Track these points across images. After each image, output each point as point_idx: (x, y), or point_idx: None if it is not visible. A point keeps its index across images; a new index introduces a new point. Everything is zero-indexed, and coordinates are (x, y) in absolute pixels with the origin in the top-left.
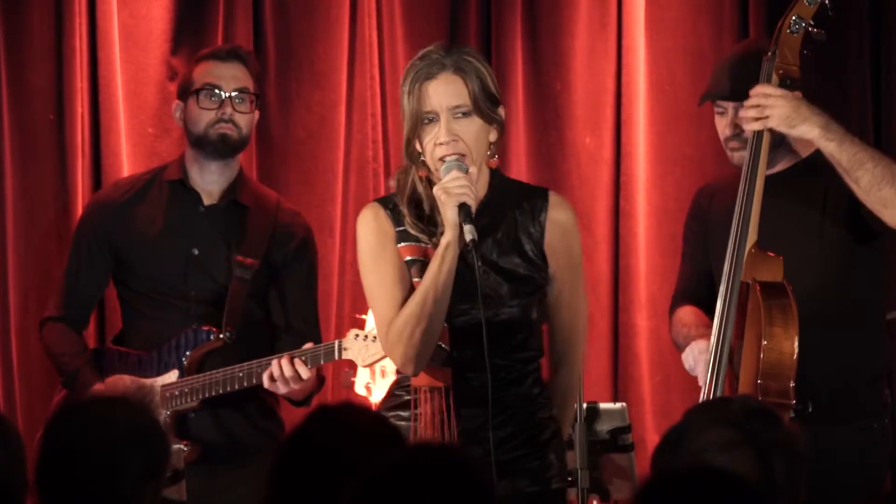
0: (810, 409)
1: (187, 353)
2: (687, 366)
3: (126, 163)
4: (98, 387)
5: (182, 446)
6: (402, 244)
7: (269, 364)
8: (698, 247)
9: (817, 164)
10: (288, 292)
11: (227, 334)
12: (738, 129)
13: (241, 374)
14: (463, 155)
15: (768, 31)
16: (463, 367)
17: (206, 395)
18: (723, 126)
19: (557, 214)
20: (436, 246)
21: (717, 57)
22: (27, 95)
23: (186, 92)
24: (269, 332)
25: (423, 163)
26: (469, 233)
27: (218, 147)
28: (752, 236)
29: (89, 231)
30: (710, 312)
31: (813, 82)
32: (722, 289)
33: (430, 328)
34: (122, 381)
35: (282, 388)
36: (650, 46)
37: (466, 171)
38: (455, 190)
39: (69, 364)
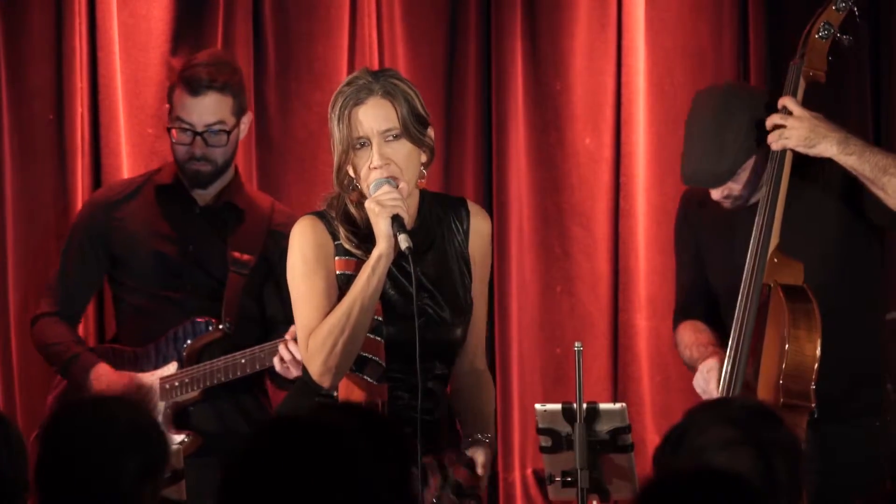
0: (816, 416)
1: (186, 344)
2: (699, 390)
3: (126, 163)
4: (96, 385)
5: (184, 437)
6: (338, 258)
7: (273, 349)
8: (691, 256)
9: (811, 166)
10: (279, 291)
11: (227, 325)
12: (729, 191)
13: (243, 361)
14: (397, 179)
15: (768, 31)
16: (397, 385)
17: (208, 384)
18: (712, 192)
19: (478, 223)
20: None
21: (717, 57)
22: (27, 95)
23: (169, 109)
24: (262, 328)
25: (356, 188)
26: (404, 241)
27: (192, 182)
28: (774, 240)
29: (82, 230)
30: (711, 322)
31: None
32: (742, 292)
33: (352, 339)
34: (120, 379)
35: (293, 371)
36: (650, 46)
37: (397, 187)
38: (388, 202)
39: (65, 352)
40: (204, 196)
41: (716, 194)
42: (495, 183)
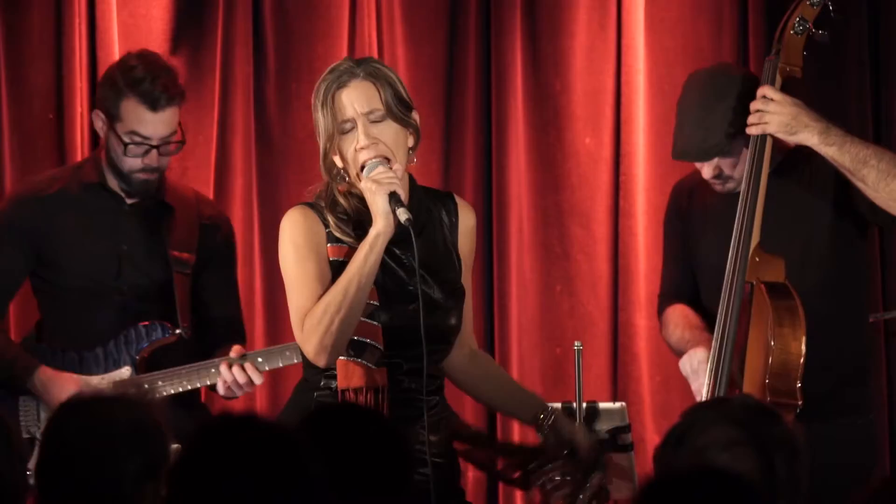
0: (798, 412)
1: (140, 347)
2: (684, 371)
3: None
4: (56, 392)
5: None
6: (330, 245)
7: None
8: (681, 247)
9: (797, 164)
10: (221, 285)
11: (184, 329)
12: (719, 170)
13: (213, 370)
14: (387, 158)
15: (768, 31)
16: (397, 369)
17: (171, 391)
18: (702, 170)
19: (465, 217)
20: None
21: (717, 57)
22: (27, 95)
23: (110, 116)
24: (204, 323)
25: (343, 177)
26: (403, 213)
27: (138, 190)
28: (755, 237)
29: (6, 227)
30: (698, 312)
31: (812, 82)
32: (724, 290)
33: (348, 317)
34: (75, 381)
35: (237, 393)
36: (650, 46)
37: (391, 168)
38: (385, 180)
39: (3, 353)
40: (131, 195)
41: (706, 172)
42: (495, 182)
